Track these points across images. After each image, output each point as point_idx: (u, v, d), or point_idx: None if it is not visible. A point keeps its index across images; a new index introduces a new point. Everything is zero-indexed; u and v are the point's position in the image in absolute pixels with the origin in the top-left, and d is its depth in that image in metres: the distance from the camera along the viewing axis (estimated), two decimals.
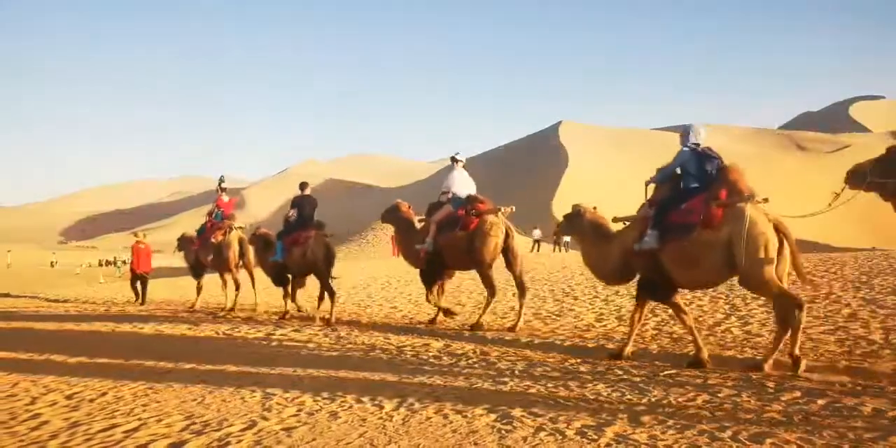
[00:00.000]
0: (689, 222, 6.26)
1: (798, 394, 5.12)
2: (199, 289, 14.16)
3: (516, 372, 6.37)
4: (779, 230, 6.04)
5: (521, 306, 9.16)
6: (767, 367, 5.97)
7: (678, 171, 6.76)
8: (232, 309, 12.46)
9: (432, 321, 9.83)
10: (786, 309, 5.95)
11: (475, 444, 4.31)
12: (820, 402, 4.90)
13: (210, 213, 13.69)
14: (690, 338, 6.59)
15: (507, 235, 9.09)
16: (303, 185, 11.34)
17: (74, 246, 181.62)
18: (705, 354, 6.36)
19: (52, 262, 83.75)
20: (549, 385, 5.78)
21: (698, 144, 6.71)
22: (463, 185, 9.59)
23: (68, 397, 6.00)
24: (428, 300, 9.90)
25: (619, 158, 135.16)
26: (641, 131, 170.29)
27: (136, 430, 4.88)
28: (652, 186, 6.99)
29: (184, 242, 14.69)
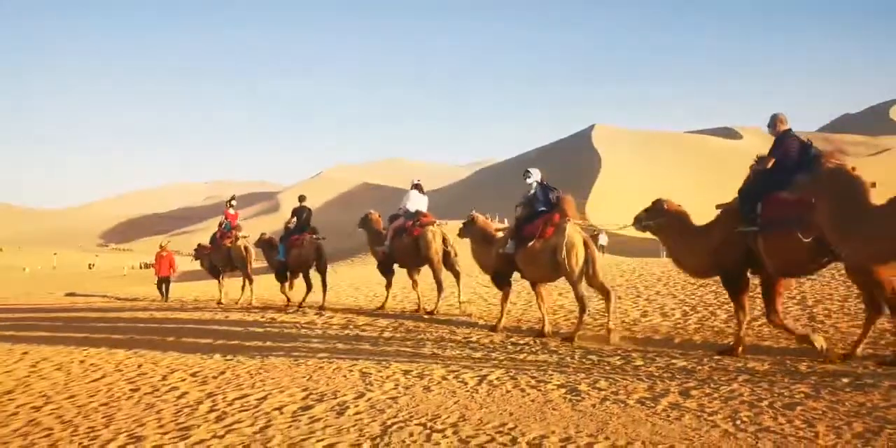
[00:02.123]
0: (532, 235, 8.76)
1: (825, 374, 5.94)
2: (220, 285, 16.20)
3: (575, 358, 7.25)
4: (586, 244, 8.53)
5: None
6: (577, 338, 8.26)
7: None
8: (249, 303, 14.83)
9: (381, 307, 12.43)
10: (583, 298, 8.48)
11: (553, 409, 5.22)
12: (844, 380, 5.71)
13: (220, 224, 16.10)
14: (541, 317, 9.15)
15: (444, 241, 11.63)
16: (301, 198, 14.11)
17: (111, 249, 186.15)
18: (548, 329, 8.85)
19: (89, 265, 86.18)
20: (607, 367, 6.66)
21: (541, 180, 9.29)
22: (415, 203, 12.01)
23: (192, 375, 7.04)
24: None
25: (653, 161, 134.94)
26: (675, 134, 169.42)
27: (264, 398, 5.89)
28: (518, 209, 9.45)
29: (199, 251, 17.08)
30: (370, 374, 6.70)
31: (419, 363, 7.18)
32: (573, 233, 8.49)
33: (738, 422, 4.71)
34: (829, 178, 6.47)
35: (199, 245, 17.36)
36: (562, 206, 8.80)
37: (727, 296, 7.72)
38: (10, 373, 7.67)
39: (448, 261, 11.67)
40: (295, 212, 13.53)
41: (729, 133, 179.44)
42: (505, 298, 9.69)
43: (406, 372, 6.72)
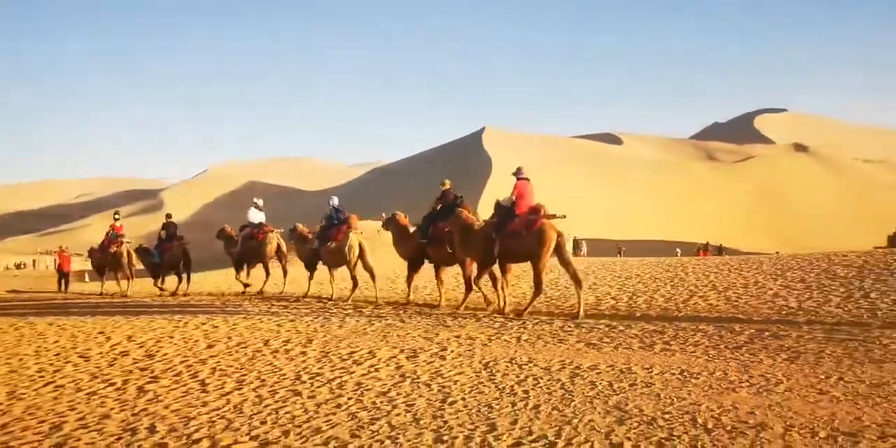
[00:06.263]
0: (331, 237, 14.44)
1: (816, 329, 8.72)
2: (103, 282, 20.88)
3: (573, 325, 9.75)
4: (360, 245, 13.97)
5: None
6: (385, 304, 13.18)
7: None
8: (125, 295, 18.54)
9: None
10: (355, 278, 14.18)
11: (586, 352, 7.72)
12: (838, 337, 8.49)
13: (107, 233, 20.37)
14: (330, 291, 14.93)
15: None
16: (168, 216, 19.90)
17: None
18: (335, 297, 14.57)
19: None
20: (601, 332, 9.19)
21: (336, 205, 14.80)
22: (255, 217, 17.33)
23: (286, 341, 8.97)
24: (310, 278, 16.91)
25: (543, 165, 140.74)
26: (563, 139, 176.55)
27: (372, 352, 7.97)
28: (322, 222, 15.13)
29: (91, 253, 21.57)
30: (430, 338, 8.89)
31: (458, 332, 9.40)
32: (353, 238, 13.99)
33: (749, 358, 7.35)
34: (458, 217, 12.02)
35: (91, 248, 21.75)
36: (349, 221, 14.38)
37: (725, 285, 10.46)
38: (159, 342, 9.32)
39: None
40: (164, 226, 18.99)
41: (610, 139, 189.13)
42: (310, 279, 15.85)
43: (457, 336, 8.96)
